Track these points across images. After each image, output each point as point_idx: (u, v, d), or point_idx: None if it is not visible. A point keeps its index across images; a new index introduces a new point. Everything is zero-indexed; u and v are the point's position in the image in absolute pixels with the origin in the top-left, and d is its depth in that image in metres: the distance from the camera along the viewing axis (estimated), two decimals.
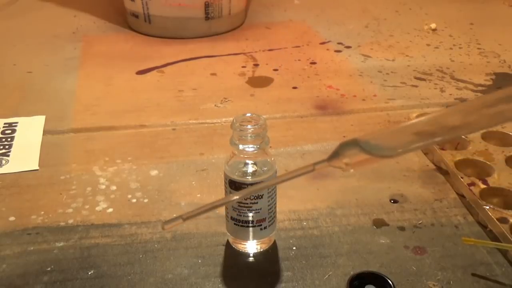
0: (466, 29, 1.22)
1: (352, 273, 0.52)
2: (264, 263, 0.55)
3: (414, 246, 0.56)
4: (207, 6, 1.14)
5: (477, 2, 1.41)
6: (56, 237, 0.58)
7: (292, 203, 0.63)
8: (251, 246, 0.55)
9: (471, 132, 0.63)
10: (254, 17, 1.30)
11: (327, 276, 0.52)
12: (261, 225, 0.53)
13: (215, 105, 0.88)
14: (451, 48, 1.12)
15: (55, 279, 0.52)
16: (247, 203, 0.51)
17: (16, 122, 0.82)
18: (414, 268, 0.53)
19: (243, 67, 1.03)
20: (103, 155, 0.73)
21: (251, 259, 0.55)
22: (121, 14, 1.27)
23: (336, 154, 0.35)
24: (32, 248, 0.56)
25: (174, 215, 0.39)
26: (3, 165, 0.71)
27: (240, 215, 0.52)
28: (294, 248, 0.56)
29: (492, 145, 0.71)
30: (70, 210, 0.62)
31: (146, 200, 0.64)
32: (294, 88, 0.94)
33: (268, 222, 0.53)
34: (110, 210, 0.62)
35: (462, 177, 0.64)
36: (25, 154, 0.73)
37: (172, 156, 0.73)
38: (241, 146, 0.50)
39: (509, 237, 0.54)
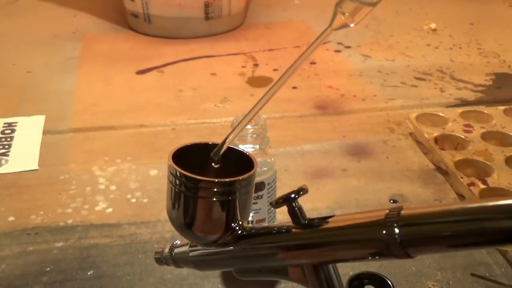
0: (466, 29, 1.22)
1: (351, 273, 0.52)
2: None
3: None
4: (207, 6, 1.14)
5: (477, 2, 1.41)
6: (55, 237, 0.58)
7: None
8: None
9: None
10: (254, 17, 1.30)
11: None
12: (260, 225, 0.53)
13: (214, 105, 0.88)
14: (451, 48, 1.11)
15: (54, 279, 0.52)
16: None
17: (16, 122, 0.82)
18: (414, 269, 0.53)
19: (243, 67, 1.02)
20: (103, 155, 0.73)
21: None
22: (121, 14, 1.27)
23: (334, 15, 0.36)
24: (31, 248, 0.56)
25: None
26: (2, 165, 0.71)
27: None
28: None
29: (492, 145, 0.71)
30: (70, 210, 0.62)
31: (145, 200, 0.64)
32: (294, 88, 0.94)
33: (268, 222, 0.53)
34: (110, 210, 0.62)
35: (461, 177, 0.64)
36: (25, 154, 0.73)
37: None
38: (241, 146, 0.50)
39: None
